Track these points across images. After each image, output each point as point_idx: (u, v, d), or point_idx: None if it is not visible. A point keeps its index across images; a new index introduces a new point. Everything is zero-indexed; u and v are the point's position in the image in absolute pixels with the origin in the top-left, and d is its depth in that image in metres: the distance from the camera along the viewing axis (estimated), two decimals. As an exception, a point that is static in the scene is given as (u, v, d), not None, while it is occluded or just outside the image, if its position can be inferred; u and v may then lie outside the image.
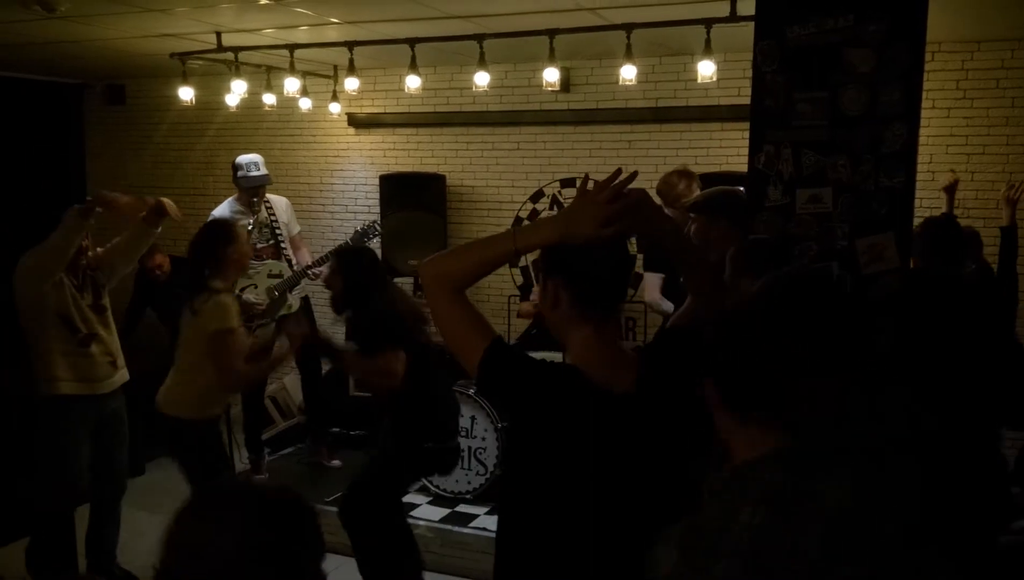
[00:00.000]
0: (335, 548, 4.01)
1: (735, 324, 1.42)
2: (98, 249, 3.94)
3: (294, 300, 5.15)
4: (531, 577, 1.76)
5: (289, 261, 5.19)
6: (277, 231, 5.17)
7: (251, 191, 5.08)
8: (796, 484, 1.28)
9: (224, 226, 3.81)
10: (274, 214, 5.18)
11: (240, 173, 5.06)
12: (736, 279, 2.33)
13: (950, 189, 4.37)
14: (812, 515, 1.23)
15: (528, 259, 5.64)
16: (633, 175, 1.73)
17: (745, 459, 1.34)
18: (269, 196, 5.24)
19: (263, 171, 5.14)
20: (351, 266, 3.74)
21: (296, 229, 5.38)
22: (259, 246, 5.05)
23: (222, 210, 5.12)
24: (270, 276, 5.05)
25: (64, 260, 3.61)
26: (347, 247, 4.11)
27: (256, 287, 5.01)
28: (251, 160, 5.12)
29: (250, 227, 5.02)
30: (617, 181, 1.69)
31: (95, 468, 3.89)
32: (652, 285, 4.12)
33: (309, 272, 5.10)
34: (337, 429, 5.52)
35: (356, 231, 5.28)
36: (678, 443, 1.72)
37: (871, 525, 1.22)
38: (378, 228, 5.26)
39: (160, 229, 3.96)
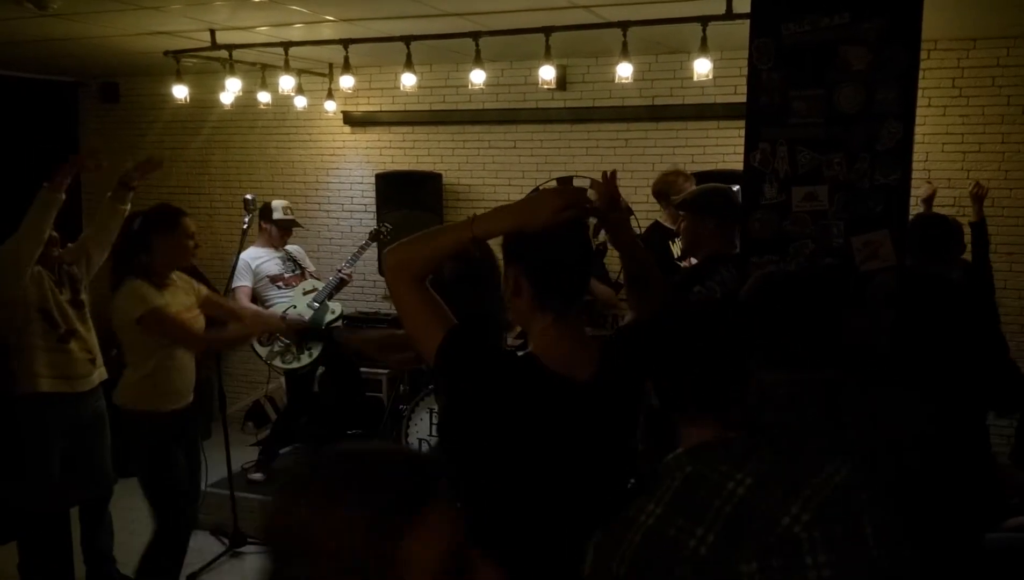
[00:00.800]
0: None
1: (665, 327, 1.46)
2: (69, 245, 3.90)
3: (336, 305, 5.41)
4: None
5: (317, 279, 5.51)
6: (300, 264, 5.50)
7: (283, 231, 5.38)
8: (698, 479, 1.27)
9: (166, 213, 3.59)
10: (291, 257, 5.52)
11: (275, 215, 5.35)
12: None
13: (928, 201, 4.38)
14: (707, 510, 1.22)
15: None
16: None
17: (672, 455, 1.36)
18: None
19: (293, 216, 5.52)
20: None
21: (311, 269, 5.64)
22: (287, 276, 5.38)
23: (250, 253, 5.30)
24: (305, 293, 5.32)
25: (41, 240, 3.53)
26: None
27: (296, 307, 5.26)
28: (284, 203, 5.49)
29: (279, 260, 5.39)
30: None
31: (78, 471, 3.84)
32: None
33: (341, 274, 5.35)
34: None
35: (371, 231, 5.58)
36: (630, 434, 1.78)
37: (768, 519, 1.20)
38: (389, 226, 5.53)
39: (128, 205, 3.87)
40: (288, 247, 5.55)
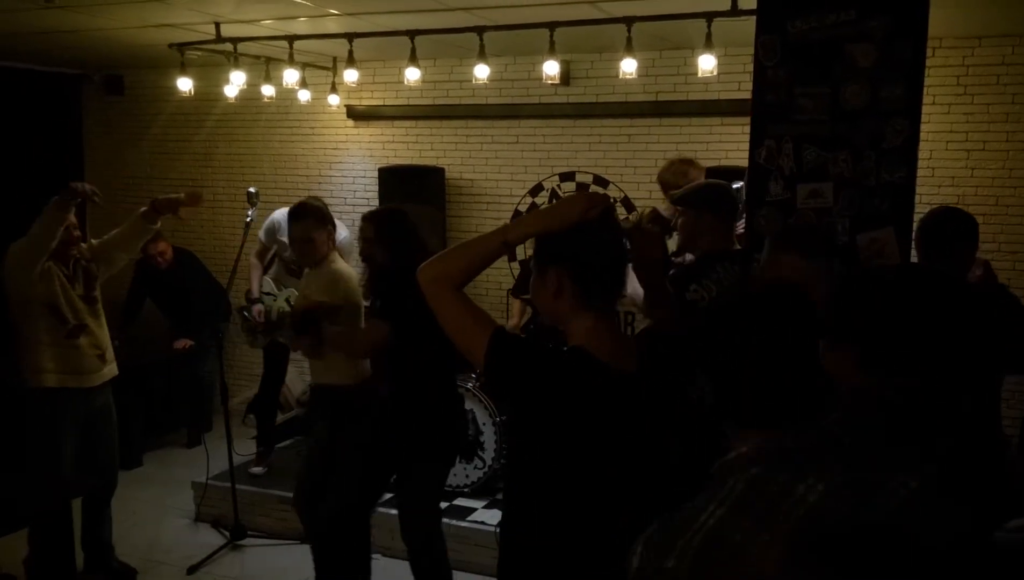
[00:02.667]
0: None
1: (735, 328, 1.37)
2: (92, 241, 3.92)
3: None
4: (549, 561, 1.78)
5: None
6: None
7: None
8: (767, 482, 1.23)
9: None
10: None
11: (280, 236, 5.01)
12: (778, 255, 2.30)
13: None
14: (774, 516, 1.18)
15: (527, 252, 5.63)
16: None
17: (732, 455, 1.32)
18: None
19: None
20: (393, 230, 3.33)
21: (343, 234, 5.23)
22: (295, 267, 4.96)
23: (281, 212, 5.02)
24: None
25: (46, 250, 3.59)
26: (379, 209, 3.55)
27: (271, 304, 4.95)
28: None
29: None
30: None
31: (84, 464, 3.86)
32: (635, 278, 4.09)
33: None
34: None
35: None
36: (671, 424, 1.85)
37: (838, 528, 1.17)
38: None
39: (159, 225, 3.94)
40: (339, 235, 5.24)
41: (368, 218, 3.48)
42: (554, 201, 1.94)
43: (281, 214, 5.06)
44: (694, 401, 2.28)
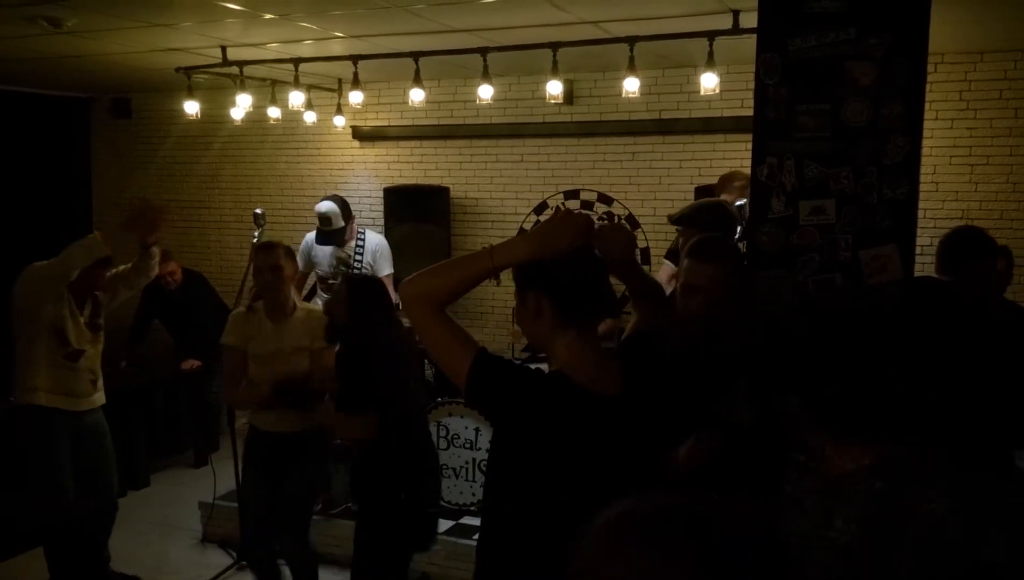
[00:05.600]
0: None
1: (833, 347, 1.36)
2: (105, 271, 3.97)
3: None
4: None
5: None
6: (355, 269, 5.11)
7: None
8: (893, 498, 1.23)
9: None
10: (361, 252, 5.11)
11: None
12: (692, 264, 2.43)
13: None
14: (907, 531, 1.18)
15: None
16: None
17: (840, 471, 1.29)
18: (367, 232, 5.24)
19: (333, 225, 5.04)
20: (361, 297, 3.39)
21: (385, 271, 5.14)
22: (331, 282, 4.96)
23: (311, 236, 5.18)
24: None
25: (68, 277, 3.66)
26: (358, 275, 3.68)
27: None
28: (322, 212, 5.07)
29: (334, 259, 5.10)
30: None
31: (80, 485, 3.87)
32: (665, 270, 4.15)
33: None
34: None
35: None
36: (657, 442, 1.84)
37: (968, 546, 1.16)
38: None
39: (156, 259, 4.00)
40: (368, 234, 5.17)
41: (345, 282, 3.51)
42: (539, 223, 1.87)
43: (310, 237, 5.21)
44: (726, 418, 2.29)
